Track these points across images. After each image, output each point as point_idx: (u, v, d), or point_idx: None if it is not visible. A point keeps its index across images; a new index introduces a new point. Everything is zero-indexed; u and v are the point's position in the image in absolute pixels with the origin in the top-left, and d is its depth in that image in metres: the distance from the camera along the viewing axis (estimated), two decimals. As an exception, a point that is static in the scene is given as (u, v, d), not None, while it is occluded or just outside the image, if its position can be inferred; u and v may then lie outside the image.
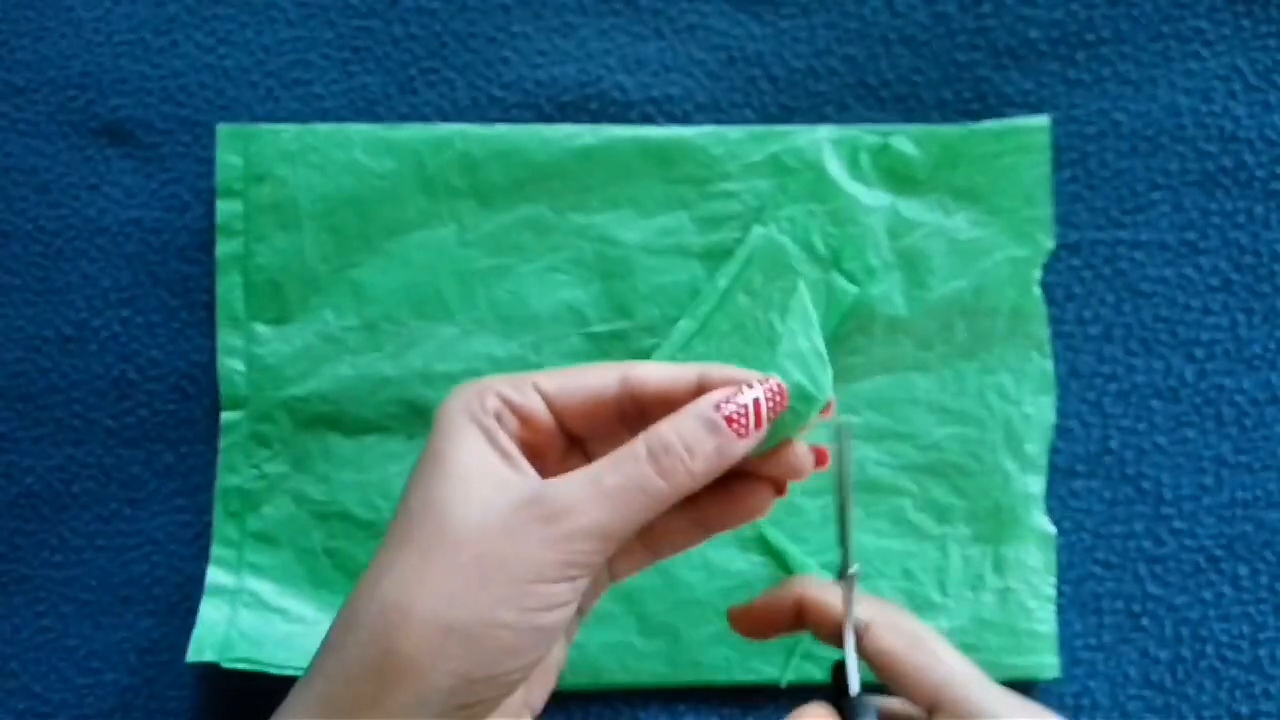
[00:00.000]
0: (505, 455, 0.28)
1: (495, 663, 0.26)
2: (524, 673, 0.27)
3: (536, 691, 0.30)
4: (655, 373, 0.29)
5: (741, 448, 0.28)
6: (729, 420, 0.28)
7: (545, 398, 0.29)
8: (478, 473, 0.27)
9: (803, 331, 0.29)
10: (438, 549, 0.26)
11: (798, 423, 0.29)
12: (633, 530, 0.27)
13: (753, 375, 0.29)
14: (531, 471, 0.28)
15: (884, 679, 0.30)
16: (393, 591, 0.26)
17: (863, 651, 0.30)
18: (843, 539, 0.31)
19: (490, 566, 0.26)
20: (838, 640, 0.31)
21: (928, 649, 0.30)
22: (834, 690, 0.30)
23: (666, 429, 0.28)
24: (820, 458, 0.30)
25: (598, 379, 0.29)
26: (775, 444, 0.29)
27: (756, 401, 0.28)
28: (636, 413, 0.30)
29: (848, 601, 0.30)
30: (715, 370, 0.29)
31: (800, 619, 0.32)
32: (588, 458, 0.31)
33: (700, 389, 0.29)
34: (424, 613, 0.26)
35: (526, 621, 0.26)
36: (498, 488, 0.27)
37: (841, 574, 0.30)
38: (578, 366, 0.30)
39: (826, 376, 0.29)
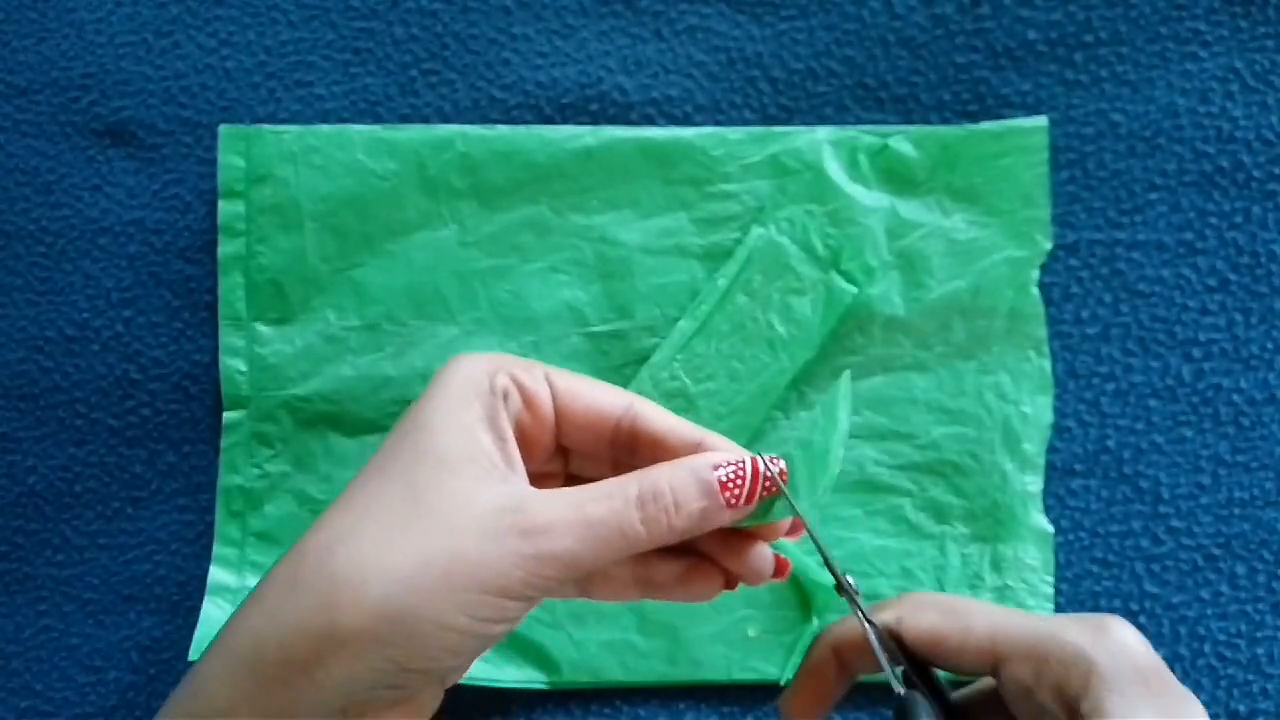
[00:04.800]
0: (500, 439, 0.27)
1: (434, 660, 0.26)
2: (459, 671, 0.27)
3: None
4: (660, 417, 0.29)
5: (725, 518, 0.28)
6: (723, 486, 0.27)
7: (554, 393, 0.29)
8: (465, 456, 0.27)
9: (825, 427, 0.28)
10: (404, 532, 0.26)
11: (781, 514, 0.28)
12: (601, 566, 0.27)
13: (749, 455, 0.28)
14: (520, 464, 0.28)
15: (939, 662, 0.28)
16: (347, 564, 0.25)
17: (907, 647, 0.28)
18: (825, 560, 0.29)
19: (457, 570, 0.25)
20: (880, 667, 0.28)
21: (965, 609, 0.28)
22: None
23: (661, 476, 0.27)
24: (780, 568, 0.30)
25: (606, 396, 0.29)
26: (749, 525, 0.29)
27: (755, 476, 0.28)
28: (627, 444, 0.29)
29: (856, 609, 0.29)
30: (715, 440, 0.29)
31: (844, 667, 0.29)
32: (567, 466, 0.31)
33: (698, 450, 0.29)
34: (376, 595, 0.25)
35: (477, 629, 0.26)
36: (482, 480, 0.26)
37: (837, 587, 0.29)
38: (588, 378, 0.30)
39: (827, 481, 0.28)
